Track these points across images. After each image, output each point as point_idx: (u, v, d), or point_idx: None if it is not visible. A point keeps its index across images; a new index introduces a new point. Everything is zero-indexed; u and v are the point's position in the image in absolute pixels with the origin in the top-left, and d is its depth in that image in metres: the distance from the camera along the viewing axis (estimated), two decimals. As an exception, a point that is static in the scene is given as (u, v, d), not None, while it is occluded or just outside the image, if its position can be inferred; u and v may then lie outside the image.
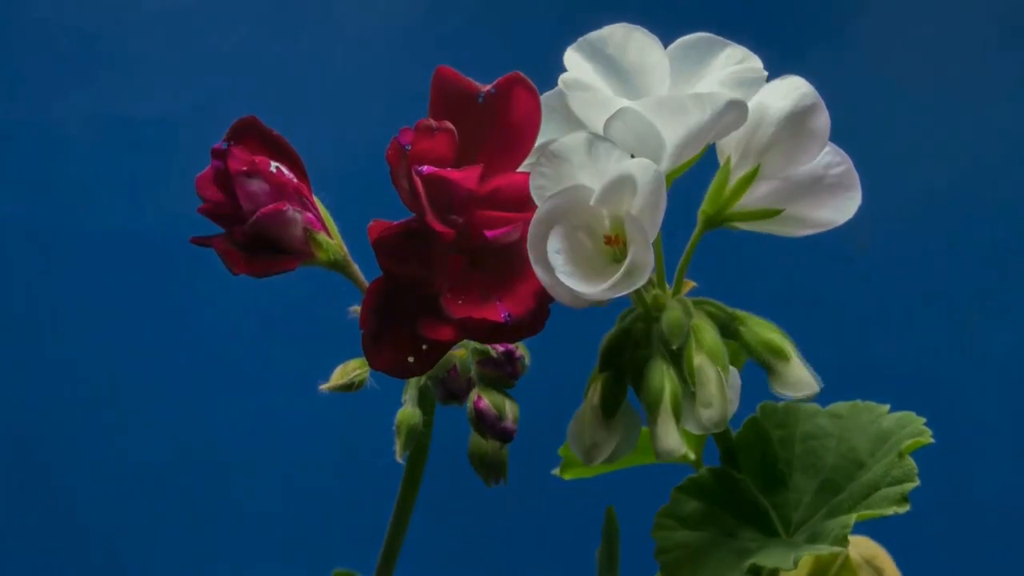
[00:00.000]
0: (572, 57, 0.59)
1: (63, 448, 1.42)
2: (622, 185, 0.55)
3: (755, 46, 0.60)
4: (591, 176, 0.56)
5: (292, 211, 0.61)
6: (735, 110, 0.56)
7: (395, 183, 0.58)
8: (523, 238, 0.57)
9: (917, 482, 0.60)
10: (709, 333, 0.60)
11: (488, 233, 0.57)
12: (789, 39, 1.39)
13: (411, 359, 0.57)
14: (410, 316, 0.57)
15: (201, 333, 1.43)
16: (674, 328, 0.59)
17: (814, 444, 0.66)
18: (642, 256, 0.55)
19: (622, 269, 0.55)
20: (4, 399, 1.43)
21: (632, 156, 0.56)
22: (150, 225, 1.41)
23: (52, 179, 1.44)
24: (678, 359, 0.60)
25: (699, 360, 0.59)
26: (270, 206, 0.60)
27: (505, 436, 0.64)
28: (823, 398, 0.69)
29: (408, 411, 0.65)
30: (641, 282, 0.55)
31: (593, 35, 0.60)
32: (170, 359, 1.43)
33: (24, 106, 1.45)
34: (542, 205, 0.56)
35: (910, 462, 0.61)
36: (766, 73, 0.59)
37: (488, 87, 0.60)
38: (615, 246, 0.57)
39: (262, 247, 0.61)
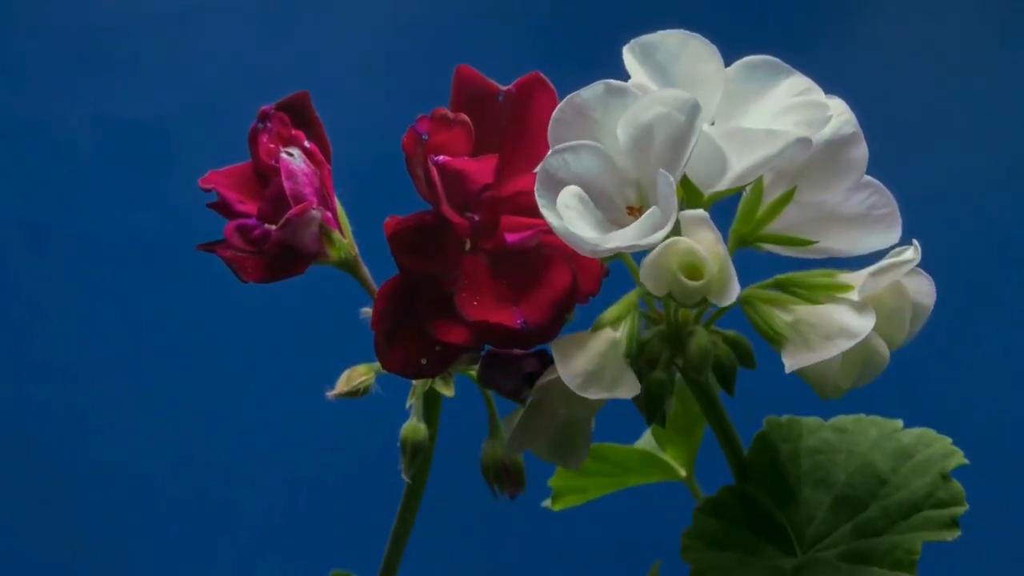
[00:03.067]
0: (627, 58, 0.58)
1: (63, 449, 1.41)
2: (643, 138, 0.54)
3: (760, 42, 0.59)
4: (610, 133, 0.54)
5: (315, 210, 0.59)
6: (802, 147, 0.55)
7: (410, 172, 0.57)
8: (543, 244, 0.57)
9: (966, 506, 0.59)
10: (771, 294, 0.57)
11: (508, 238, 0.56)
12: (794, 35, 1.37)
13: (424, 361, 0.56)
14: (423, 317, 0.56)
15: (202, 333, 1.42)
16: (703, 355, 0.56)
17: (821, 458, 0.64)
18: (667, 201, 0.52)
19: (646, 214, 0.52)
20: (4, 400, 1.42)
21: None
22: (151, 225, 1.39)
23: (52, 179, 1.43)
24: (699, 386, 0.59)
25: (791, 317, 0.56)
26: (297, 207, 0.59)
27: (534, 351, 0.60)
28: (826, 406, 0.68)
29: (413, 426, 0.64)
30: (664, 231, 0.52)
31: (645, 38, 0.58)
32: (171, 359, 1.42)
33: (25, 107, 1.44)
34: (554, 155, 0.54)
35: (957, 485, 0.60)
36: (831, 114, 0.57)
37: (508, 87, 0.59)
38: (636, 216, 0.54)
39: (278, 250, 0.60)
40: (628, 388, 0.55)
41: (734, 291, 0.53)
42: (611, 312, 0.57)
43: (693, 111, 0.53)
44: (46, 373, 1.42)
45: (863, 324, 0.54)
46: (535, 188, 0.54)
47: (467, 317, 0.55)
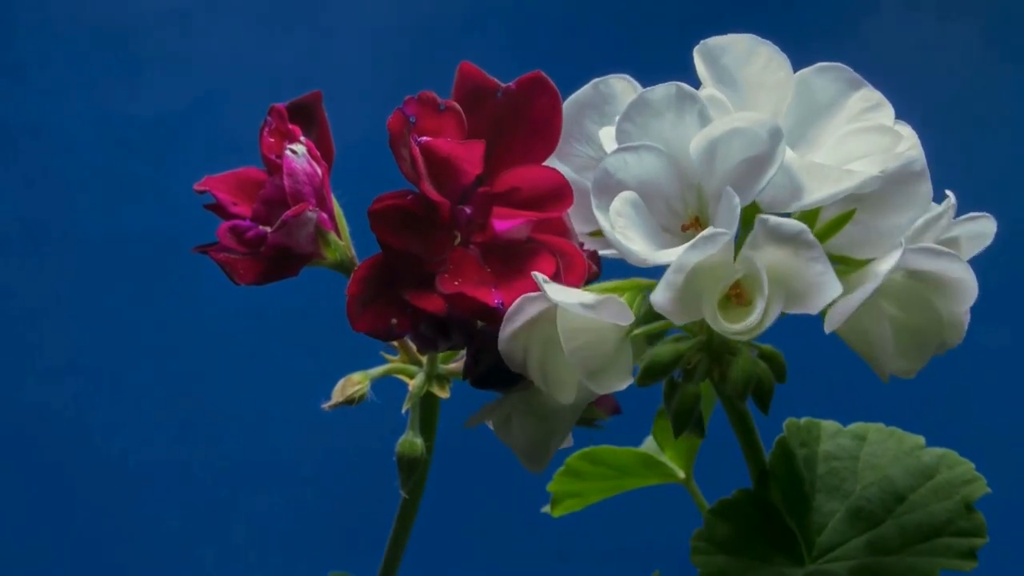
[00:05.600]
0: (695, 59, 0.56)
1: (64, 448, 1.41)
2: (717, 150, 0.52)
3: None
4: (678, 136, 0.53)
5: (310, 212, 0.58)
6: (874, 182, 0.53)
7: (394, 152, 0.57)
8: (532, 237, 0.56)
9: (987, 539, 0.58)
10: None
11: (498, 225, 0.56)
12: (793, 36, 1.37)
13: (394, 320, 0.56)
14: (401, 288, 0.56)
15: (203, 332, 1.42)
16: (746, 380, 0.54)
17: (837, 465, 0.63)
18: (726, 222, 0.50)
19: (701, 234, 0.50)
20: (4, 398, 1.41)
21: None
22: (152, 224, 1.40)
23: (53, 178, 1.43)
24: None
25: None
26: (293, 209, 0.58)
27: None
28: (831, 404, 0.66)
29: (409, 441, 0.63)
30: (712, 249, 0.50)
31: (714, 40, 0.56)
32: (171, 358, 1.42)
33: (25, 105, 1.44)
34: (615, 154, 0.53)
35: (980, 516, 0.59)
36: (903, 149, 0.55)
37: (508, 84, 0.59)
38: (694, 229, 0.53)
39: (273, 252, 0.59)
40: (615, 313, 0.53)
41: (823, 301, 0.51)
42: (603, 284, 0.56)
43: (775, 136, 0.51)
44: (46, 372, 1.42)
45: (888, 263, 0.52)
46: (591, 189, 0.53)
47: (445, 292, 0.55)
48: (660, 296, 0.51)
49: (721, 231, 0.50)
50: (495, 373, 0.57)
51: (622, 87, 0.57)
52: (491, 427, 0.60)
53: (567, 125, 0.58)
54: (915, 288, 0.54)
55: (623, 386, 0.54)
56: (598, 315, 0.52)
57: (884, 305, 0.53)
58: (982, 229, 0.57)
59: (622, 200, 0.52)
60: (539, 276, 0.53)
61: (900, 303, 0.54)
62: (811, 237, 0.50)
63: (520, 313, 0.54)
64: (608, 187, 0.52)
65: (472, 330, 0.57)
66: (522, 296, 0.54)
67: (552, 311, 0.53)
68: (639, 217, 0.52)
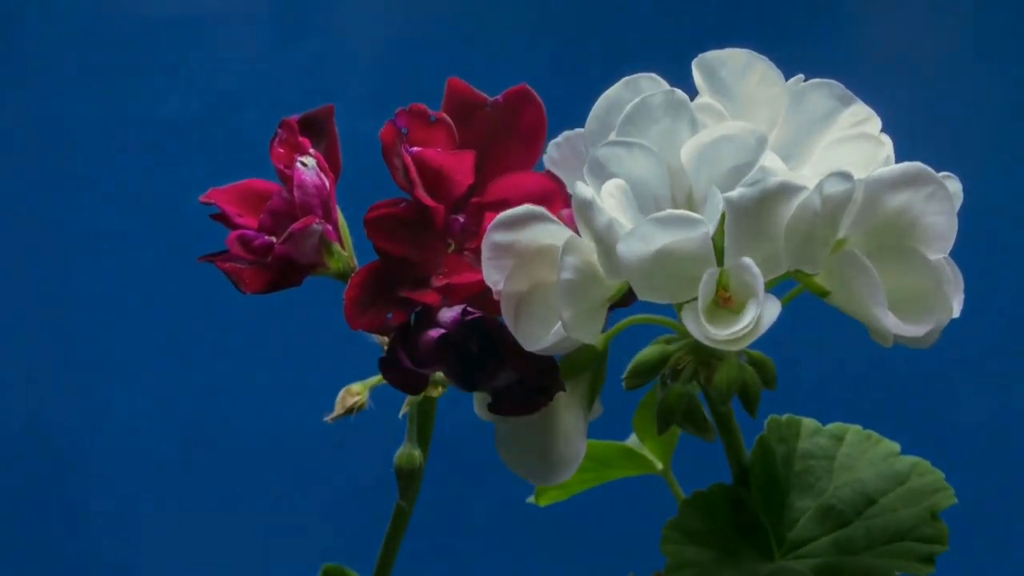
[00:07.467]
0: (694, 72, 0.57)
1: (72, 442, 1.42)
2: (707, 156, 0.53)
3: (744, 34, 0.58)
4: (673, 144, 0.53)
5: (316, 224, 0.59)
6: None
7: (387, 162, 0.58)
8: None
9: (947, 547, 0.59)
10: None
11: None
12: (778, 26, 1.36)
13: (389, 315, 0.57)
14: (397, 289, 0.57)
15: (207, 331, 1.42)
16: (730, 386, 0.54)
17: (812, 463, 0.63)
18: (709, 216, 0.51)
19: (672, 211, 0.51)
20: (18, 393, 1.42)
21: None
22: (164, 224, 1.40)
23: (66, 179, 1.44)
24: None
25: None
26: (300, 222, 0.59)
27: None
28: (812, 402, 0.67)
29: (407, 453, 0.64)
30: (683, 233, 0.50)
31: (712, 53, 0.57)
32: (178, 357, 1.43)
33: (39, 107, 1.45)
34: (609, 145, 0.53)
35: (944, 527, 0.60)
36: (886, 154, 0.55)
37: (496, 97, 0.60)
38: None
39: (279, 262, 0.59)
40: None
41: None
42: None
43: (762, 145, 0.52)
44: (59, 369, 1.42)
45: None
46: (584, 172, 0.53)
47: (438, 286, 0.56)
48: (625, 248, 0.50)
49: (695, 216, 0.50)
50: (512, 391, 0.57)
51: (650, 86, 0.57)
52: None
53: (598, 123, 0.57)
54: (891, 236, 0.53)
55: (593, 340, 0.54)
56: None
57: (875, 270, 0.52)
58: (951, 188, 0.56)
59: (615, 184, 0.52)
60: (582, 188, 0.52)
61: (885, 260, 0.53)
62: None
63: (527, 228, 0.54)
64: (599, 175, 0.53)
65: (486, 339, 0.57)
66: (530, 208, 0.54)
67: (555, 251, 0.53)
68: (628, 204, 0.52)
